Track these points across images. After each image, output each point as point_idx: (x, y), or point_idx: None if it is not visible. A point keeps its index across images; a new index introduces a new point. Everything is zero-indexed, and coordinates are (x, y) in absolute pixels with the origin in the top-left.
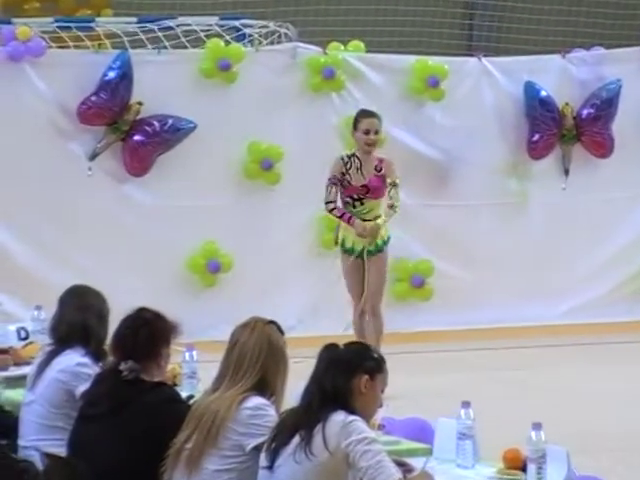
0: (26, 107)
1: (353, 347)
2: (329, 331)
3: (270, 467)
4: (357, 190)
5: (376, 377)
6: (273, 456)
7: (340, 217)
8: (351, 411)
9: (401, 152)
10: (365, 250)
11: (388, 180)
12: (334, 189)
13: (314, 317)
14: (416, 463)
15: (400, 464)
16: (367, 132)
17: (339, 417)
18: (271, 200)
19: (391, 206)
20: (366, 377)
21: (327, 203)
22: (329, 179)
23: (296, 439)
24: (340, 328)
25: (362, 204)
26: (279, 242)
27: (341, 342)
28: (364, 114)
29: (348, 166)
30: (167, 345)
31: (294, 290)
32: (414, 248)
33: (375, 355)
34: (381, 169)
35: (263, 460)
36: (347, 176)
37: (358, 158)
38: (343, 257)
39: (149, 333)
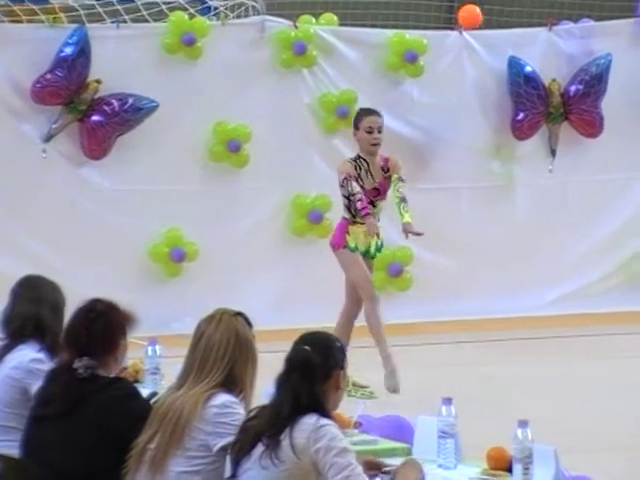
0: None
1: (320, 345)
2: (301, 322)
3: (233, 477)
4: (370, 194)
5: (345, 366)
6: (235, 466)
7: (362, 209)
8: (323, 412)
9: None
10: (368, 252)
11: (394, 176)
12: (354, 183)
13: (285, 308)
14: (394, 463)
15: (374, 466)
16: (370, 131)
17: (310, 420)
18: (239, 184)
19: (404, 199)
20: (340, 372)
21: (354, 195)
22: (345, 178)
23: (259, 448)
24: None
25: (374, 207)
26: (247, 229)
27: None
28: (365, 112)
29: (358, 169)
30: (124, 337)
31: (264, 279)
32: (392, 235)
33: (338, 344)
34: (388, 169)
35: (227, 470)
36: (359, 180)
37: (365, 160)
38: (349, 254)
39: (104, 326)
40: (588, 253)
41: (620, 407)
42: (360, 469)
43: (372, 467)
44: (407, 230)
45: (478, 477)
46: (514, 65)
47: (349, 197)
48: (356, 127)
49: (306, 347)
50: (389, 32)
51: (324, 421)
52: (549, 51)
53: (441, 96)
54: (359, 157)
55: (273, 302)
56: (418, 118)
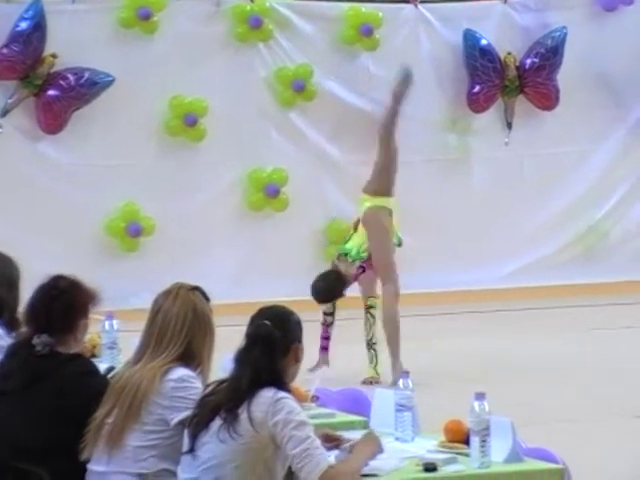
0: None
1: (280, 318)
2: (259, 296)
3: (191, 451)
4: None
5: (302, 340)
6: (193, 440)
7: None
8: (281, 385)
9: (334, 105)
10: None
11: None
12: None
13: (243, 282)
14: (351, 436)
15: (332, 439)
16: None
17: (268, 393)
18: (195, 158)
19: None
20: (299, 345)
21: None
22: None
23: (217, 421)
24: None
25: None
26: (204, 203)
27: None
28: None
29: None
30: (85, 316)
31: (221, 254)
32: (349, 208)
33: (295, 317)
34: None
35: (185, 444)
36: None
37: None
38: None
39: (65, 304)
40: (544, 226)
41: (574, 379)
42: (318, 442)
43: (330, 440)
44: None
45: (435, 449)
46: (470, 38)
47: None
48: None
49: (266, 322)
50: (345, 5)
51: (282, 394)
52: (504, 24)
53: (397, 69)
54: None
55: (230, 276)
56: (374, 91)
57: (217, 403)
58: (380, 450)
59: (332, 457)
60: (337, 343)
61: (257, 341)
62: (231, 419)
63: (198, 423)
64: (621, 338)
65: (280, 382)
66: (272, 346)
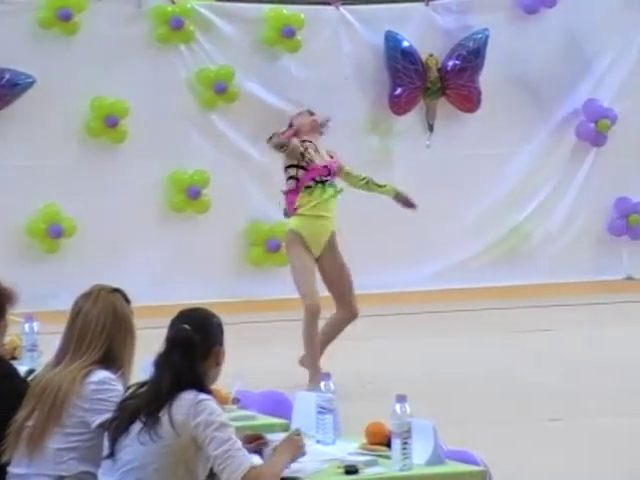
0: None
1: (200, 322)
2: (180, 298)
3: (111, 455)
4: (320, 171)
5: (223, 342)
6: (112, 444)
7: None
8: (201, 388)
9: (255, 107)
10: None
11: (346, 169)
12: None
13: (165, 284)
14: (274, 437)
15: (253, 438)
16: (312, 113)
17: (189, 396)
18: (116, 159)
19: (368, 180)
20: (219, 348)
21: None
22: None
23: (137, 425)
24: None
25: (324, 190)
26: (125, 205)
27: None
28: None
29: (304, 146)
30: (2, 316)
31: (142, 255)
32: (270, 210)
33: (216, 319)
34: (332, 156)
35: (105, 448)
36: (307, 154)
37: (309, 141)
38: (294, 244)
39: None
40: (466, 228)
41: (495, 381)
42: (240, 443)
43: (251, 440)
44: (403, 200)
45: (357, 452)
46: (391, 40)
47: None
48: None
49: (186, 326)
50: (266, 7)
51: (203, 396)
52: (426, 26)
53: (319, 71)
54: (304, 140)
55: (152, 278)
56: (296, 93)
57: (137, 407)
58: (302, 453)
59: (255, 459)
60: (262, 345)
61: (177, 345)
62: (152, 422)
63: (118, 427)
64: (541, 340)
65: (201, 385)
66: (192, 350)
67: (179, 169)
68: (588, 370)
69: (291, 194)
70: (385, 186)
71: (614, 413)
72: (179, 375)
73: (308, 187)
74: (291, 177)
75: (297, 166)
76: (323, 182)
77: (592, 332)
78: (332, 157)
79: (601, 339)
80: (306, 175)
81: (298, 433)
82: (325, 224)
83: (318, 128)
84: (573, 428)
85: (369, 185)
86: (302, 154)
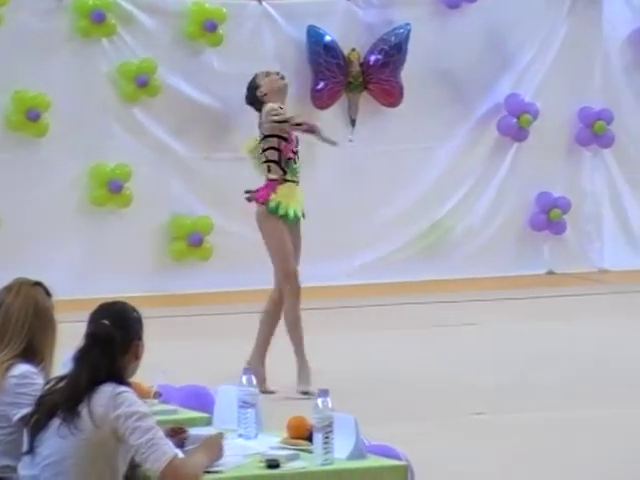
0: None
1: (119, 316)
2: (102, 292)
3: (31, 450)
4: (295, 143)
5: (142, 337)
6: (32, 439)
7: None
8: (120, 381)
9: (177, 101)
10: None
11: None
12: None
13: (86, 278)
14: (201, 432)
15: (175, 432)
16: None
17: (108, 388)
18: (38, 153)
19: None
20: (139, 342)
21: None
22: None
23: (56, 420)
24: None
25: (298, 158)
26: (47, 198)
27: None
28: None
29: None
30: None
31: (64, 249)
32: (192, 204)
33: (135, 314)
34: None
35: (24, 443)
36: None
37: (281, 108)
38: (277, 223)
39: None
40: (388, 223)
41: (416, 376)
42: (162, 433)
43: (174, 433)
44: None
45: (278, 446)
46: (313, 35)
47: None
48: (257, 86)
49: (105, 321)
50: (188, 1)
51: (122, 388)
52: (348, 20)
53: (241, 65)
54: (279, 107)
55: (73, 272)
56: (218, 87)
57: (55, 402)
58: (220, 456)
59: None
60: (184, 339)
61: (96, 341)
62: (71, 417)
63: (37, 422)
64: (464, 335)
65: (120, 379)
66: (111, 345)
67: (101, 163)
68: (511, 364)
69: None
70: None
71: (538, 407)
72: (98, 370)
73: (288, 160)
74: (272, 147)
75: (279, 137)
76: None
77: (514, 327)
78: None
79: (523, 334)
80: (287, 147)
81: (221, 436)
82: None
83: (285, 91)
84: (497, 422)
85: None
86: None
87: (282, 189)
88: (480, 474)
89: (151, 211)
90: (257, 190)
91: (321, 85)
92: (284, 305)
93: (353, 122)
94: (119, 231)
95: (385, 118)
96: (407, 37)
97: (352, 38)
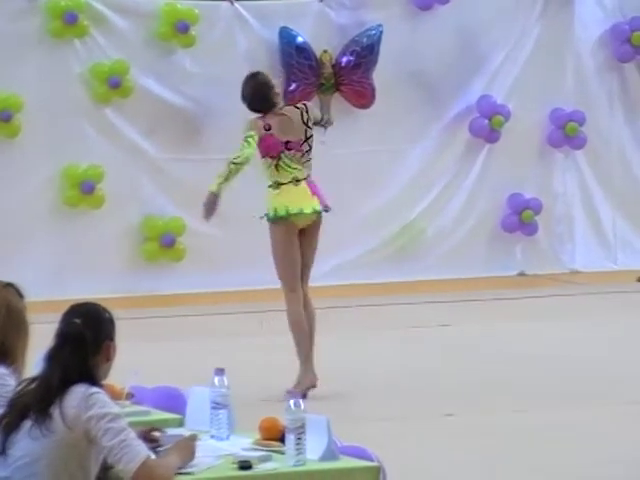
0: None
1: (91, 316)
2: (74, 293)
3: (2, 453)
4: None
5: (114, 338)
6: (4, 441)
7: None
8: (92, 382)
9: (149, 102)
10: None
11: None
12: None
13: (59, 279)
14: (177, 432)
15: (150, 431)
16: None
17: (80, 389)
18: (10, 154)
19: None
20: (110, 343)
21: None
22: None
23: (28, 421)
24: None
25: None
26: (19, 199)
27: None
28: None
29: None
30: None
31: (36, 250)
32: (164, 205)
33: (107, 315)
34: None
35: None
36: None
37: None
38: (277, 229)
39: None
40: (360, 225)
41: (388, 377)
42: (134, 434)
43: (147, 435)
44: None
45: (251, 447)
46: (285, 36)
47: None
48: (273, 86)
49: (77, 320)
50: (160, 2)
51: (94, 389)
52: (320, 22)
53: (213, 66)
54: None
55: (46, 273)
56: (190, 88)
57: (27, 403)
58: (192, 458)
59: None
60: (156, 340)
61: (67, 340)
62: (43, 418)
63: (8, 424)
64: (437, 336)
65: (92, 379)
66: (82, 344)
67: (73, 164)
68: (482, 365)
69: None
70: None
71: (509, 408)
72: (69, 370)
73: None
74: None
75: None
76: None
77: (486, 328)
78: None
79: (495, 335)
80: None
81: (194, 438)
82: None
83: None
84: (468, 423)
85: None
86: None
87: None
88: (451, 475)
89: (123, 212)
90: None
91: (293, 86)
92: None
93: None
94: (91, 232)
95: (357, 119)
96: (379, 38)
97: (324, 39)
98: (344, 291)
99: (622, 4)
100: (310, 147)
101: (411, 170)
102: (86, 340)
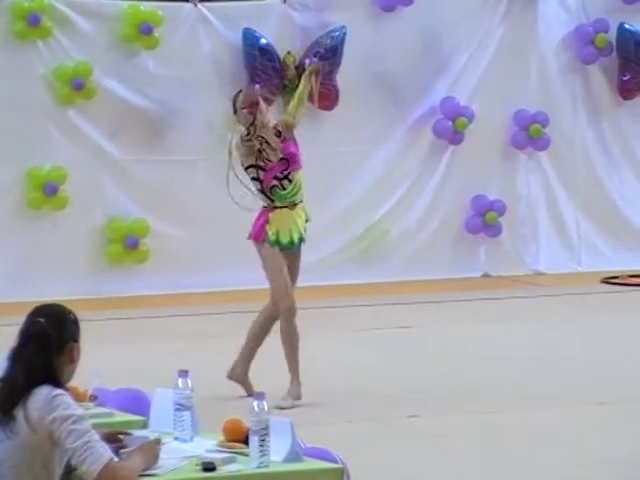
0: None
1: (55, 316)
2: (38, 295)
3: None
4: (279, 167)
5: (79, 339)
6: None
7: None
8: (57, 383)
9: (113, 103)
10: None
11: (290, 119)
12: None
13: (23, 281)
14: (142, 434)
15: (114, 434)
16: (245, 107)
17: (43, 391)
18: None
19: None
20: (74, 344)
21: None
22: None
23: None
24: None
25: (291, 181)
26: None
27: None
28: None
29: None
30: None
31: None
32: (128, 206)
33: (72, 316)
34: (280, 131)
35: None
36: (263, 153)
37: (260, 136)
38: (271, 251)
39: None
40: (323, 226)
41: (351, 379)
42: (98, 436)
43: (111, 438)
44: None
45: (215, 449)
46: (249, 37)
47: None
48: (234, 111)
49: (41, 320)
50: (124, 3)
51: (58, 391)
52: (284, 23)
53: (177, 68)
54: (249, 134)
55: (9, 275)
56: (154, 90)
57: None
58: (155, 461)
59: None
60: (120, 342)
61: (31, 339)
62: (7, 420)
63: None
64: (399, 338)
65: (55, 380)
66: (46, 344)
67: (36, 165)
68: (446, 367)
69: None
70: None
71: (472, 410)
72: (33, 370)
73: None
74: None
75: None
76: (287, 177)
77: (450, 329)
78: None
79: (459, 336)
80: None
81: (158, 442)
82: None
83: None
84: (432, 425)
85: (295, 100)
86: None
87: (273, 217)
88: (415, 476)
89: (87, 214)
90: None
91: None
92: (281, 324)
93: None
94: (55, 234)
95: (321, 121)
96: (342, 40)
97: (288, 41)
98: (307, 293)
99: (586, 6)
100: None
101: (375, 172)
102: (50, 339)
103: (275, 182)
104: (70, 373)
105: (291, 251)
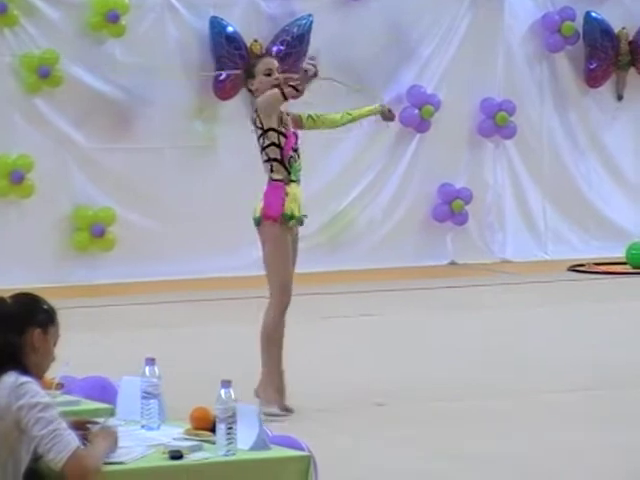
0: None
1: (22, 300)
2: (5, 283)
3: None
4: (294, 140)
5: (48, 330)
6: None
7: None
8: (23, 370)
9: (80, 91)
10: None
11: (305, 115)
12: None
13: None
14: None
15: (81, 423)
16: (269, 73)
17: (10, 379)
18: None
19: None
20: (38, 331)
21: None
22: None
23: None
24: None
25: (299, 157)
26: None
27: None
28: (257, 57)
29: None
30: None
31: None
32: (94, 195)
33: (46, 307)
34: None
35: None
36: (283, 117)
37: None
38: (283, 234)
39: None
40: None
41: (317, 367)
42: (65, 424)
43: (78, 426)
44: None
45: (182, 437)
46: (216, 25)
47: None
48: (251, 76)
49: (8, 300)
50: None
51: (24, 379)
52: (251, 12)
53: (144, 56)
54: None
55: None
56: (120, 78)
57: None
58: (115, 447)
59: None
60: (87, 331)
61: None
62: None
63: None
64: (363, 326)
65: (16, 361)
66: (5, 321)
67: (2, 154)
68: (411, 355)
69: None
70: (364, 108)
71: (439, 398)
72: None
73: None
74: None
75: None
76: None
77: (416, 317)
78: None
79: (425, 324)
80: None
81: (111, 427)
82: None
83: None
84: (399, 412)
85: (352, 115)
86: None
87: (290, 190)
88: (382, 463)
89: (53, 202)
90: (263, 200)
91: (223, 76)
92: (266, 318)
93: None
94: (21, 222)
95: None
96: (309, 28)
97: (254, 29)
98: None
99: None
100: (261, 148)
101: (341, 160)
102: (12, 317)
103: (292, 153)
104: (39, 364)
105: (295, 232)
